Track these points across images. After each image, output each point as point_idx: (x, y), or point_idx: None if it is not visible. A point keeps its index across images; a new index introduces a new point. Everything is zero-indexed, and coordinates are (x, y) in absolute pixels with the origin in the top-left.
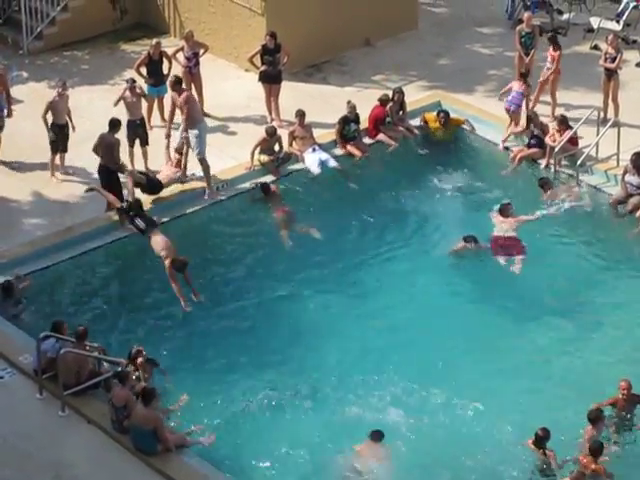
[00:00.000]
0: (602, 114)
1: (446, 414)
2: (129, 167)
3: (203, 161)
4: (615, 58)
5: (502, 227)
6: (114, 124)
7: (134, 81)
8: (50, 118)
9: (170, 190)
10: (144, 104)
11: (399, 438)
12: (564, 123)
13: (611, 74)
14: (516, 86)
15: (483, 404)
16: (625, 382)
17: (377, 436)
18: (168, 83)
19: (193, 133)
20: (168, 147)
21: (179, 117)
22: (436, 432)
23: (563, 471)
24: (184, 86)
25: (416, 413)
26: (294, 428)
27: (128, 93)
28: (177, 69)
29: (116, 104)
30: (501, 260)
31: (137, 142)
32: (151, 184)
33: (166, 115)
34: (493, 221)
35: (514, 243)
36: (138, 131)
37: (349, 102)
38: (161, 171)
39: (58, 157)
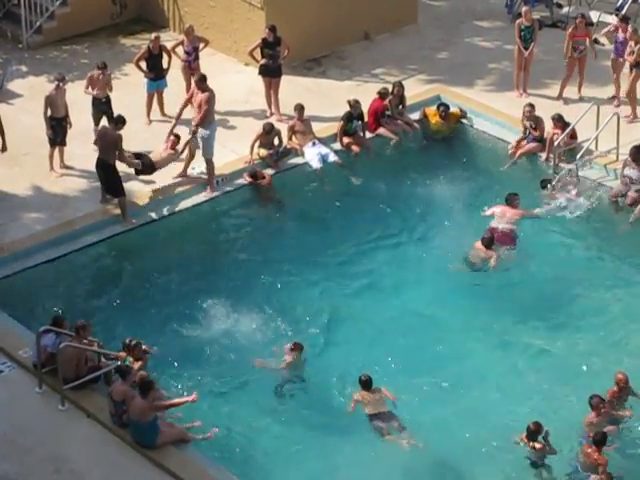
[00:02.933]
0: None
1: (443, 406)
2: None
3: (209, 162)
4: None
5: (503, 218)
6: (119, 121)
7: (105, 65)
8: (48, 112)
9: (169, 185)
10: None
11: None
12: (560, 121)
13: (632, 67)
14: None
15: (481, 395)
16: (622, 375)
17: (367, 384)
18: (194, 80)
19: (204, 133)
20: (172, 130)
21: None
22: (433, 422)
23: (552, 464)
24: (184, 81)
25: (412, 404)
26: (295, 422)
27: (96, 74)
28: (176, 63)
29: (87, 88)
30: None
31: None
32: (145, 166)
33: (166, 109)
34: (495, 211)
35: (508, 237)
36: (103, 108)
37: (355, 100)
38: (154, 152)
39: (57, 151)
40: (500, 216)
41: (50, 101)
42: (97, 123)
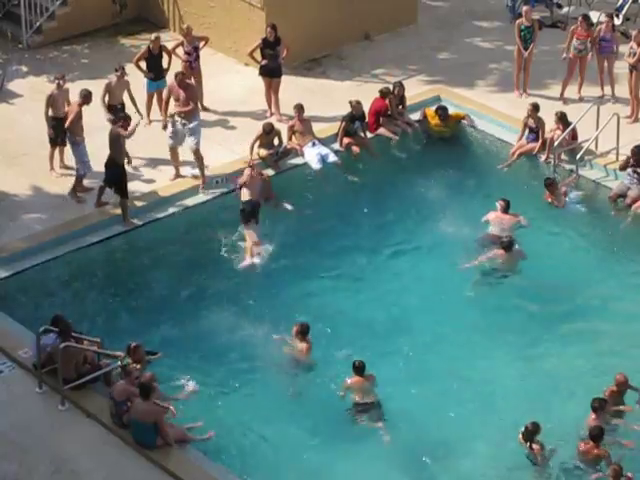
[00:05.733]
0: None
1: (442, 400)
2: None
3: (197, 152)
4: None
5: (499, 225)
6: (124, 118)
7: (123, 68)
8: (50, 111)
9: (169, 185)
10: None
11: (396, 420)
12: (563, 119)
13: (632, 69)
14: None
15: (480, 394)
16: (622, 377)
17: (360, 369)
18: (177, 80)
19: (194, 124)
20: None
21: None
22: (432, 417)
23: (551, 463)
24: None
25: (410, 401)
26: (294, 421)
27: (114, 80)
28: (177, 63)
29: (104, 96)
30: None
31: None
32: None
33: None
34: (490, 218)
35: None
36: (119, 115)
37: (357, 101)
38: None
39: (57, 151)
40: (496, 223)
41: (52, 101)
42: None
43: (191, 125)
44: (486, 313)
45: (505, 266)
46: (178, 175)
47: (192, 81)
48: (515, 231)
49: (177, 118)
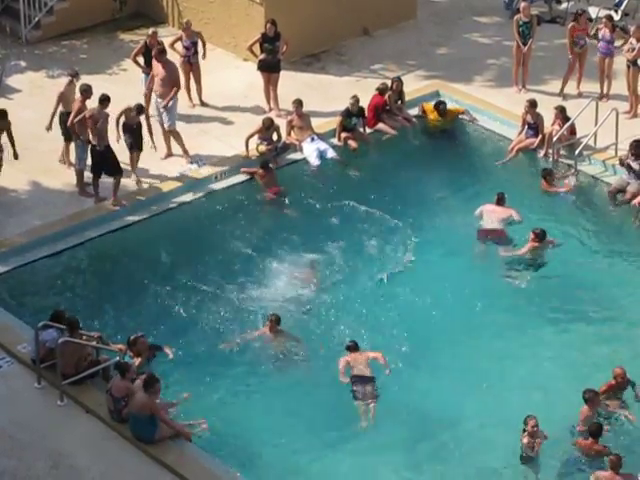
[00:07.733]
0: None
1: (439, 394)
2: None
3: (174, 132)
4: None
5: (492, 217)
6: (102, 99)
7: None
8: (60, 107)
9: (169, 179)
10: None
11: (392, 409)
12: (562, 113)
13: (630, 64)
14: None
15: (479, 387)
16: (620, 369)
17: (353, 347)
18: (153, 54)
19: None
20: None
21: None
22: (426, 409)
23: (552, 459)
24: (182, 76)
25: (407, 385)
26: (293, 415)
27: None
28: (175, 59)
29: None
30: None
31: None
32: None
33: None
34: (484, 209)
35: (499, 234)
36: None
37: (354, 97)
38: None
39: (63, 146)
40: (488, 216)
41: (63, 97)
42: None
43: (165, 104)
44: (486, 308)
45: (535, 257)
46: (169, 154)
47: (171, 60)
48: (507, 225)
49: (153, 95)
